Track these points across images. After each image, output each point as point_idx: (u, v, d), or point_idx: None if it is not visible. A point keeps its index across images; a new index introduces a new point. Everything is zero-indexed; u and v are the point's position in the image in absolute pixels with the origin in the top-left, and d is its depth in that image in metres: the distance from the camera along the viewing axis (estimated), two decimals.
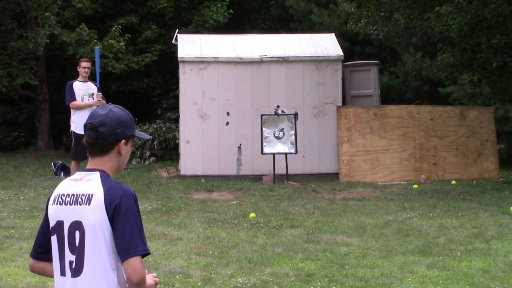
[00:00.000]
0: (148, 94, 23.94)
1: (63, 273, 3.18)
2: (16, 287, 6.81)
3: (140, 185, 13.68)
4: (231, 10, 22.21)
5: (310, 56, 15.09)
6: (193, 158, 14.70)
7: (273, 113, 14.49)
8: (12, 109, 23.66)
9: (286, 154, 14.30)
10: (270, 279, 7.07)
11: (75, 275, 3.16)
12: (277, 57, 15.01)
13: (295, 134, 14.35)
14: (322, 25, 20.51)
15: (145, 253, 3.15)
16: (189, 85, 14.86)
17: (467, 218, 10.19)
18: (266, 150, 14.35)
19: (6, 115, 23.66)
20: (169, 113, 25.48)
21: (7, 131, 24.92)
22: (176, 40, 15.78)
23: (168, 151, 18.77)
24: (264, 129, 14.35)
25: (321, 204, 11.61)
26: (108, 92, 22.35)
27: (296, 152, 14.37)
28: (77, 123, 12.52)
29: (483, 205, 11.34)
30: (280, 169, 14.39)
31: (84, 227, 3.15)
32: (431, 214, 10.51)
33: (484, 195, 12.32)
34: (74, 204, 3.17)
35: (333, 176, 14.83)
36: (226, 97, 14.88)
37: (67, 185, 3.24)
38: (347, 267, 7.51)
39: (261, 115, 14.40)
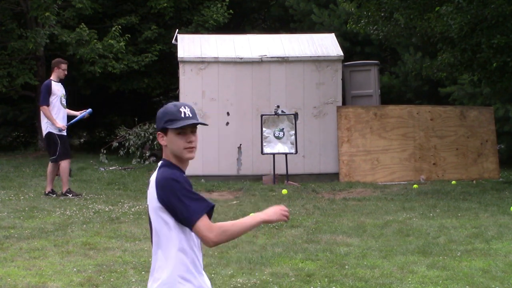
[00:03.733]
0: (148, 94, 23.91)
1: None
2: (16, 287, 6.81)
3: (140, 185, 13.69)
4: (231, 10, 22.19)
5: (310, 56, 15.09)
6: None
7: (273, 113, 14.49)
8: (12, 109, 23.61)
9: (286, 154, 14.30)
10: (270, 279, 7.07)
11: None
12: (277, 57, 15.01)
13: (295, 134, 14.35)
14: (322, 25, 20.51)
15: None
16: (189, 85, 14.86)
17: (467, 218, 10.19)
18: (266, 150, 14.35)
19: (6, 115, 23.61)
20: None
21: (7, 131, 24.88)
22: (176, 40, 15.77)
23: None
24: (264, 129, 14.35)
25: (321, 204, 11.61)
26: (108, 92, 22.36)
27: (296, 152, 14.37)
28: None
29: (483, 205, 11.34)
30: (280, 169, 14.39)
31: None
32: (431, 214, 10.51)
33: (484, 195, 12.32)
34: None
35: (333, 176, 14.83)
36: (226, 97, 14.88)
37: None
38: (347, 267, 7.51)
39: (261, 115, 14.40)
